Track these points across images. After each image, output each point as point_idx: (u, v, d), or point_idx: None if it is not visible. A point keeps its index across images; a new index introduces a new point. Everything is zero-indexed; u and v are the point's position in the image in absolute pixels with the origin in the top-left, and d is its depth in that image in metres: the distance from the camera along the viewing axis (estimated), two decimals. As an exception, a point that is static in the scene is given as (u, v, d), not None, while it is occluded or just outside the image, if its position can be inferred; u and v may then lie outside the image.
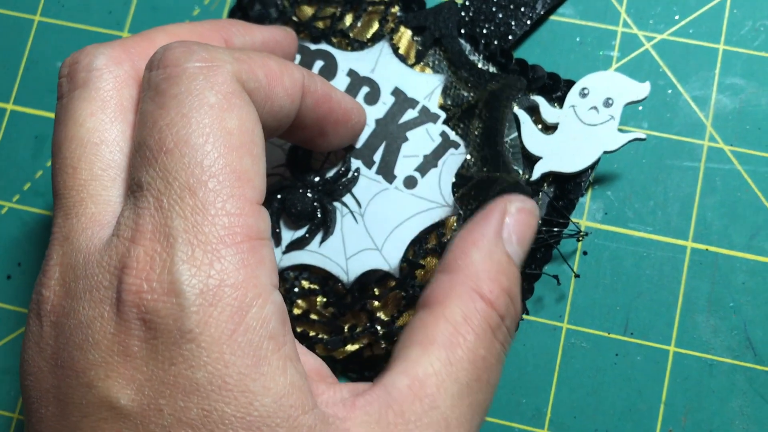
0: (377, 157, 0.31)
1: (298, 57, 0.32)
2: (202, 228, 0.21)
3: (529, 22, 0.32)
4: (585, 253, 0.31)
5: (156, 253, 0.21)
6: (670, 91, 0.32)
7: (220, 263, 0.21)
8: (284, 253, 0.30)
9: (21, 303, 0.34)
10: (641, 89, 0.30)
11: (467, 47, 0.32)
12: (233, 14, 0.34)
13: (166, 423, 0.20)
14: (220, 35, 0.27)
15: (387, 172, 0.30)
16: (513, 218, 0.26)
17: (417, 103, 0.31)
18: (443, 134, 0.31)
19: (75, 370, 0.21)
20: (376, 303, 0.30)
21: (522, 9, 0.32)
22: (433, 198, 0.30)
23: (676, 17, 0.33)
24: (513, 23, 0.32)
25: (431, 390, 0.22)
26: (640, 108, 0.32)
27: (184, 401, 0.20)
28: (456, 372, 0.23)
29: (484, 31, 0.32)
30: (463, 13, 0.32)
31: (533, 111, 0.31)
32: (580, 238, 0.31)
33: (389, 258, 0.30)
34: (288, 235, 0.30)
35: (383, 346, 0.30)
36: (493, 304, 0.24)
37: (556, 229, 0.30)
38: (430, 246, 0.30)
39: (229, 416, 0.20)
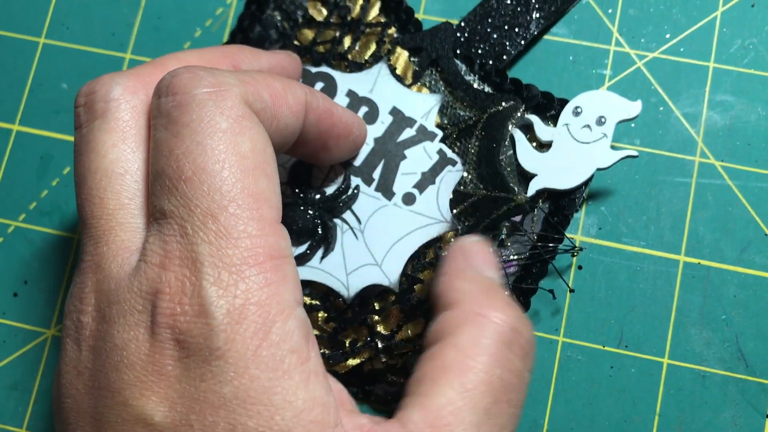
0: (376, 174, 0.31)
1: (300, 80, 0.33)
2: (226, 251, 0.21)
3: (523, 42, 0.33)
4: (580, 267, 0.32)
5: (186, 278, 0.21)
6: (661, 108, 0.33)
7: (245, 283, 0.21)
8: (286, 269, 0.31)
9: (27, 320, 0.34)
10: (633, 107, 0.30)
11: (463, 67, 0.32)
12: (234, 36, 0.35)
13: None
14: (229, 61, 0.28)
15: (386, 189, 0.31)
16: (474, 250, 0.27)
17: (414, 122, 0.32)
18: (440, 152, 0.31)
19: (111, 391, 0.22)
20: (377, 317, 0.31)
21: (516, 29, 0.33)
22: (431, 214, 0.31)
23: (667, 36, 0.34)
24: (507, 43, 0.33)
25: (447, 420, 0.22)
26: (633, 125, 0.33)
27: (213, 416, 0.21)
28: (472, 398, 0.23)
29: (480, 51, 0.33)
30: (458, 34, 0.33)
31: (528, 129, 0.32)
32: (575, 254, 0.32)
33: (389, 273, 0.30)
34: (289, 252, 0.31)
35: (384, 360, 0.30)
36: (501, 320, 0.24)
37: (551, 245, 0.31)
38: (428, 260, 0.31)
39: (251, 430, 0.21)
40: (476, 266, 0.27)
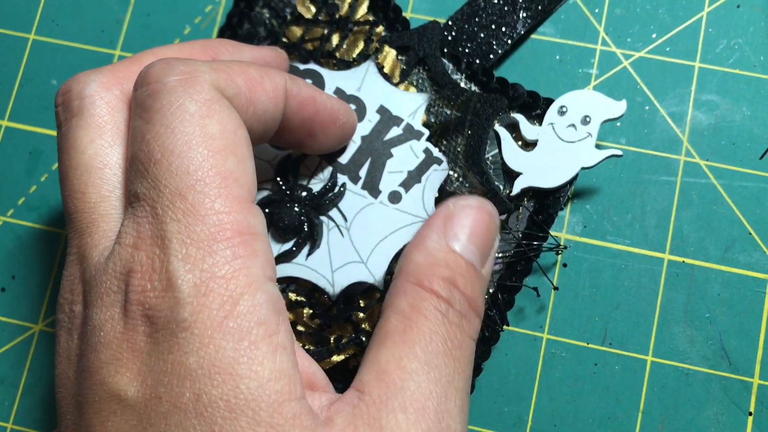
0: (363, 172, 0.31)
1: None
2: (194, 228, 0.22)
3: (509, 41, 0.33)
4: (565, 265, 0.32)
5: (155, 255, 0.22)
6: (647, 108, 0.33)
7: (212, 258, 0.22)
8: (272, 266, 0.31)
9: (15, 315, 0.34)
10: (618, 107, 0.31)
11: (450, 66, 0.33)
12: (222, 33, 0.35)
13: (164, 410, 0.21)
14: (209, 54, 0.28)
15: (372, 187, 0.31)
16: (456, 216, 0.27)
17: (401, 120, 0.32)
18: (427, 151, 0.31)
19: (90, 371, 0.22)
20: (362, 314, 0.31)
21: (503, 29, 0.33)
22: (416, 212, 0.31)
23: (653, 36, 0.34)
24: (494, 42, 0.33)
25: (394, 375, 0.23)
26: (619, 124, 0.33)
27: (179, 387, 0.21)
28: (413, 353, 0.24)
29: (467, 50, 0.33)
30: (446, 33, 0.33)
31: (513, 128, 0.32)
32: (560, 252, 0.32)
33: (374, 271, 0.30)
34: (275, 248, 0.31)
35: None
36: (435, 292, 0.25)
37: (536, 243, 0.31)
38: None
39: (215, 399, 0.21)
40: (450, 234, 0.27)
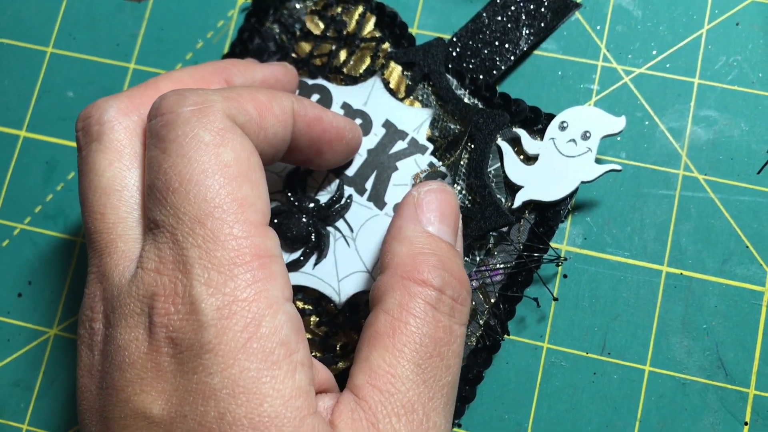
0: (369, 185, 0.32)
1: (296, 92, 0.34)
2: (214, 253, 0.23)
3: (512, 57, 0.34)
4: (565, 276, 0.33)
5: (178, 280, 0.23)
6: (647, 123, 0.34)
7: (233, 282, 0.23)
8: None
9: (31, 320, 0.35)
10: (617, 123, 0.31)
11: (454, 82, 0.33)
12: (234, 48, 0.36)
13: (189, 427, 0.22)
14: (222, 76, 0.29)
15: (378, 199, 0.32)
16: (424, 201, 0.28)
17: (406, 134, 0.33)
18: (431, 164, 0.32)
19: (115, 389, 0.23)
20: (367, 323, 0.32)
21: (506, 45, 0.34)
22: None
23: (654, 52, 0.35)
24: (497, 59, 0.34)
25: (384, 377, 0.24)
26: (619, 138, 0.34)
27: (204, 406, 0.22)
28: (403, 356, 0.24)
29: (470, 66, 0.34)
30: (450, 49, 0.34)
31: (515, 142, 0.33)
32: (560, 264, 0.33)
33: None
34: (284, 258, 0.32)
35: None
36: (425, 282, 0.26)
37: (536, 255, 0.32)
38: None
39: (240, 417, 0.22)
40: (423, 220, 0.27)
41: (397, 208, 0.28)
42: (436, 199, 0.28)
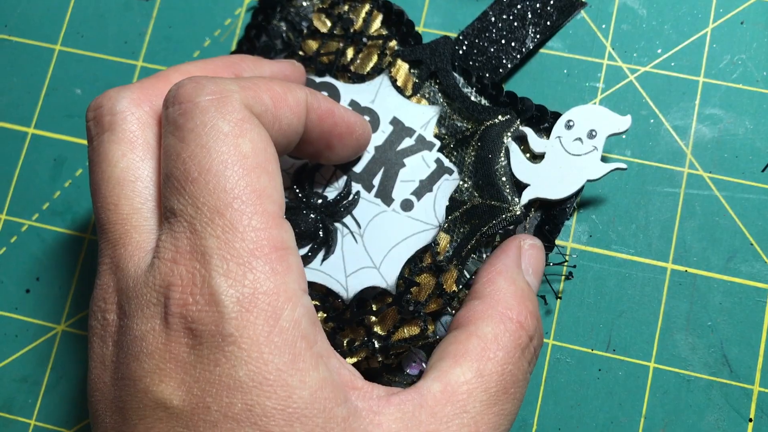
0: (376, 181, 0.32)
1: (304, 88, 0.34)
2: (233, 244, 0.23)
3: (519, 56, 0.34)
4: (570, 273, 0.33)
5: (196, 270, 0.23)
6: (652, 121, 0.34)
7: (253, 274, 0.23)
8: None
9: (39, 316, 0.36)
10: (623, 122, 0.31)
11: (461, 80, 0.34)
12: (241, 45, 0.36)
13: (213, 419, 0.22)
14: (231, 71, 0.29)
15: (385, 195, 0.32)
16: (527, 253, 0.30)
17: (414, 132, 0.33)
18: (438, 161, 0.32)
19: (132, 379, 0.23)
20: (374, 318, 0.32)
21: (512, 44, 0.34)
22: (428, 220, 0.32)
23: (659, 51, 0.35)
24: (504, 57, 0.34)
25: (462, 396, 0.25)
26: (624, 136, 0.34)
27: (229, 397, 0.22)
28: (486, 383, 0.25)
29: (477, 64, 0.34)
30: (456, 47, 0.34)
31: (522, 141, 0.33)
32: (565, 261, 0.33)
33: (386, 276, 0.31)
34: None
35: (380, 359, 0.32)
36: (522, 325, 0.27)
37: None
38: (425, 264, 0.32)
39: (270, 409, 0.22)
40: (523, 268, 0.29)
41: (501, 248, 0.30)
42: (536, 255, 0.30)
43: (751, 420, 0.31)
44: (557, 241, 0.33)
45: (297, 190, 0.33)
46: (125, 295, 0.24)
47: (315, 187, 0.33)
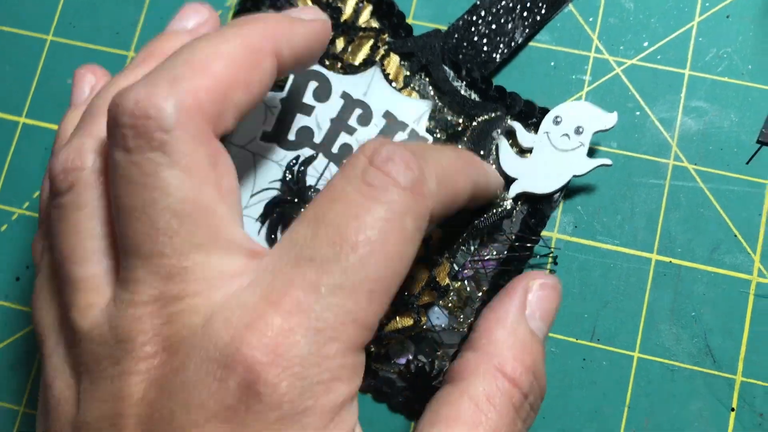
0: (367, 174, 0.33)
1: (291, 77, 0.34)
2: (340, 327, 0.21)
3: (507, 49, 0.34)
4: (555, 263, 0.33)
5: (284, 330, 0.20)
6: (638, 113, 0.34)
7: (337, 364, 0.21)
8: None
9: (28, 303, 0.36)
10: (609, 119, 0.32)
11: (451, 73, 0.34)
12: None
13: None
14: (271, 46, 0.25)
15: (376, 187, 0.32)
16: (536, 295, 0.28)
17: (406, 126, 0.33)
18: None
19: (172, 427, 0.20)
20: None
21: (502, 37, 0.34)
22: None
23: (645, 44, 0.35)
24: (493, 50, 0.34)
25: None
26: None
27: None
28: None
29: (466, 58, 0.34)
30: (447, 40, 0.34)
31: (510, 135, 0.33)
32: (551, 255, 0.33)
33: None
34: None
35: (372, 349, 0.32)
36: (516, 383, 0.26)
37: (528, 245, 0.32)
38: (419, 257, 0.32)
39: None
40: (528, 313, 0.27)
41: (506, 290, 0.28)
42: (546, 296, 0.28)
43: (733, 409, 0.32)
44: (543, 233, 0.33)
45: (290, 183, 0.33)
46: (178, 342, 0.21)
47: (308, 180, 0.33)
